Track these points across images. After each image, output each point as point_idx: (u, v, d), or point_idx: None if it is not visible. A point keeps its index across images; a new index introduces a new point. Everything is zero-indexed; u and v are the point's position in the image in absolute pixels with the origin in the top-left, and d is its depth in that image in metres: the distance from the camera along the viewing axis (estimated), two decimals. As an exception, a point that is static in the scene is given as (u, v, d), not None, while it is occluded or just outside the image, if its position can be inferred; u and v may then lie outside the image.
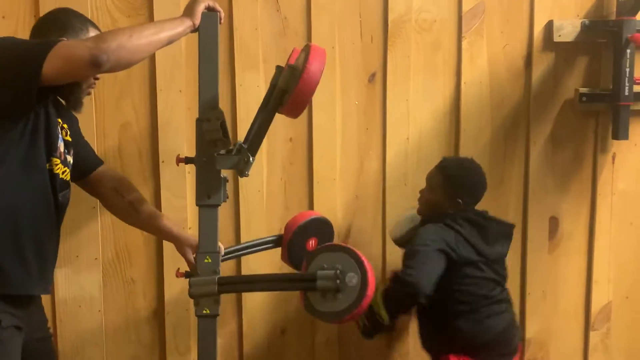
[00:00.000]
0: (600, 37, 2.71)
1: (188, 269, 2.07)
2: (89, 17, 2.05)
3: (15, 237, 1.75)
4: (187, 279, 2.00)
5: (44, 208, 1.81)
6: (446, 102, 2.70)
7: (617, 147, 2.81)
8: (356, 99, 2.65)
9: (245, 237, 2.58)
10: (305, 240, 2.26)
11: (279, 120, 2.15)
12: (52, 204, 1.83)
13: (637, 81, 2.70)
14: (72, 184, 1.99)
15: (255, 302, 2.68)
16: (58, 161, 1.85)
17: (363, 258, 1.95)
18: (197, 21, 1.83)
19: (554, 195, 2.79)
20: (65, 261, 2.50)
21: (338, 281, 1.90)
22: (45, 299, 2.04)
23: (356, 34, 2.64)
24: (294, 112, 1.95)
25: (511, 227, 2.43)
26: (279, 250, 2.40)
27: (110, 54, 1.63)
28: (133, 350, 2.62)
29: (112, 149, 2.54)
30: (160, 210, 2.57)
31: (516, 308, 2.76)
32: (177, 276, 2.07)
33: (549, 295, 2.83)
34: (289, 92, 1.90)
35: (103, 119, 2.51)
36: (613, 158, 2.82)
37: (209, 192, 1.97)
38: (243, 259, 2.60)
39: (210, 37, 1.93)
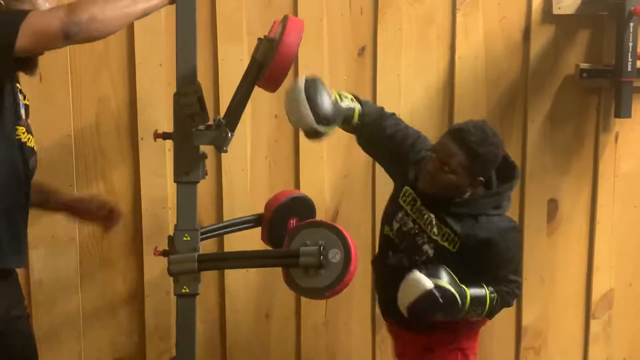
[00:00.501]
0: (602, 10, 2.76)
1: (167, 247, 2.20)
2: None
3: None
4: (167, 258, 2.14)
5: (14, 179, 1.88)
6: (439, 78, 2.76)
7: (620, 126, 2.87)
8: (345, 74, 2.71)
9: (228, 218, 2.62)
10: (286, 219, 2.35)
11: (264, 96, 2.24)
12: (22, 174, 1.90)
13: None
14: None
15: (238, 286, 2.75)
16: (23, 129, 1.93)
17: (346, 234, 2.04)
18: None
19: (553, 176, 2.86)
20: (41, 241, 2.57)
21: (321, 257, 2.01)
22: (20, 279, 2.18)
23: (345, 6, 2.69)
24: (271, 86, 2.01)
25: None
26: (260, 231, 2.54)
27: (82, 26, 1.73)
28: (111, 334, 2.69)
29: (88, 125, 2.60)
30: (140, 189, 2.68)
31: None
32: (155, 254, 2.17)
33: (547, 281, 2.91)
34: (266, 65, 1.97)
35: (79, 93, 2.57)
36: (616, 137, 2.88)
37: (187, 168, 2.05)
38: (225, 240, 2.72)
39: (188, 6, 1.99)
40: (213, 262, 2.14)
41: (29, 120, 2.01)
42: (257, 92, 2.08)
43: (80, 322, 2.67)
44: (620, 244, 2.96)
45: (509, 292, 2.19)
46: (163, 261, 2.61)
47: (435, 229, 2.16)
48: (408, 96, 2.76)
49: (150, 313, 2.70)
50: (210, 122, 2.05)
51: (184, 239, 2.09)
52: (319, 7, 2.67)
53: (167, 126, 2.56)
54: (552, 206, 2.90)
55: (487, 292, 2.14)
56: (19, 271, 2.06)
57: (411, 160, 2.25)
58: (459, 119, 2.77)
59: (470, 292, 2.10)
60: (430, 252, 2.16)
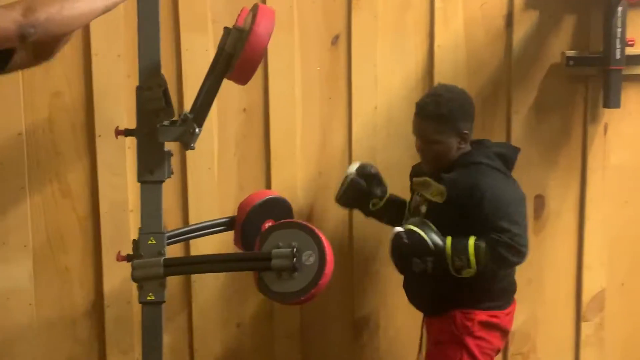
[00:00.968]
0: (588, -6, 2.81)
1: (130, 252, 2.24)
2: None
3: None
4: (130, 263, 2.17)
5: None
6: (418, 68, 2.79)
7: (609, 116, 2.91)
8: (318, 64, 2.73)
9: (195, 220, 2.64)
10: (261, 222, 2.36)
11: (231, 89, 2.25)
12: None
13: (629, 43, 2.78)
14: None
15: (206, 294, 2.75)
16: None
17: (321, 235, 2.05)
18: None
19: (539, 170, 2.89)
20: (-10, 248, 2.56)
21: (294, 260, 2.04)
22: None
23: (317, -9, 2.70)
24: (242, 78, 2.04)
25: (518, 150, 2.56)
26: (231, 234, 2.58)
27: (38, 27, 1.75)
28: (69, 347, 2.68)
29: (41, 121, 2.58)
30: (98, 191, 2.68)
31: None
32: (117, 260, 2.19)
33: (534, 282, 2.94)
34: (236, 56, 1.99)
35: (31, 87, 2.57)
36: (605, 128, 2.93)
37: (152, 167, 2.06)
38: (192, 244, 2.72)
39: (150, -7, 2.08)
40: (180, 266, 2.17)
41: None
42: (225, 85, 2.08)
43: (36, 335, 2.69)
44: (611, 241, 2.99)
45: (498, 240, 2.29)
46: (124, 268, 2.64)
47: (431, 188, 2.44)
48: (385, 87, 2.78)
49: (111, 324, 2.69)
50: (176, 118, 2.10)
51: (149, 242, 2.12)
52: (288, -7, 2.72)
53: (127, 122, 2.54)
54: (539, 202, 2.97)
55: (472, 240, 2.29)
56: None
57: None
58: (439, 111, 2.85)
59: (452, 239, 2.30)
60: (424, 209, 2.44)
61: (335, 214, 2.81)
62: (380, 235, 2.85)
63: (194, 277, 2.75)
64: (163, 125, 2.07)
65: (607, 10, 2.81)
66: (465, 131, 2.43)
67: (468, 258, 2.29)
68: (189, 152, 2.63)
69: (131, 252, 2.19)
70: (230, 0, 2.66)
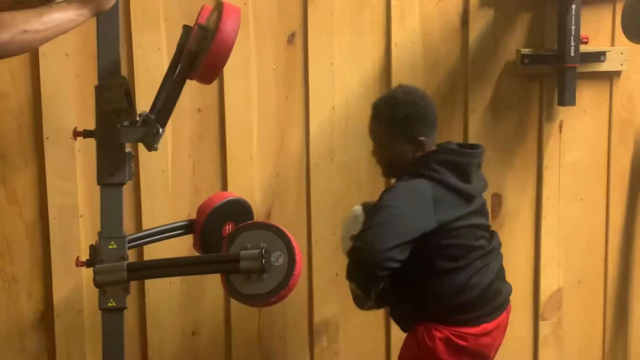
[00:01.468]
0: (543, -8, 2.93)
1: (89, 257, 2.27)
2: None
3: None
4: (89, 268, 2.17)
5: None
6: (375, 66, 2.89)
7: (564, 114, 3.06)
8: (274, 63, 2.80)
9: (148, 225, 2.66)
10: (221, 225, 2.41)
11: (185, 88, 2.24)
12: None
13: (583, 40, 2.95)
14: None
15: (160, 300, 2.77)
16: None
17: (289, 236, 2.12)
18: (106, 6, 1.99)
19: (496, 169, 3.01)
20: None
21: (263, 261, 2.11)
22: None
23: (272, -12, 2.75)
24: (207, 78, 2.09)
25: (479, 150, 2.45)
26: (188, 238, 2.64)
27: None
28: None
29: None
30: (46, 196, 2.66)
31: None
32: (77, 265, 2.21)
33: None
34: (201, 55, 2.07)
35: None
36: (560, 126, 3.09)
37: (112, 169, 2.10)
38: (146, 249, 2.73)
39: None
40: (145, 270, 2.21)
41: None
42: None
43: (-19, 349, 2.69)
44: (567, 239, 3.15)
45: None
46: (74, 276, 2.70)
47: None
48: (342, 86, 2.87)
49: (62, 335, 2.70)
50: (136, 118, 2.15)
51: (110, 247, 2.17)
52: (243, -10, 2.78)
53: (77, 123, 2.54)
54: (496, 201, 3.09)
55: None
56: None
57: None
58: (397, 110, 2.95)
59: None
60: None
61: (293, 216, 2.89)
62: (338, 238, 2.94)
63: (147, 284, 2.79)
64: (124, 126, 2.11)
65: (561, 8, 2.96)
66: (421, 138, 2.36)
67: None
68: (141, 155, 2.67)
69: (86, 258, 2.23)
70: (184, -2, 2.71)
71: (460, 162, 2.37)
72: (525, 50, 3.00)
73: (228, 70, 2.78)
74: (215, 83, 2.76)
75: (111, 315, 2.18)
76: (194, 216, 2.52)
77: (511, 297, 3.09)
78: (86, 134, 2.17)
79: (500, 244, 2.51)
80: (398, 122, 2.36)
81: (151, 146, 2.12)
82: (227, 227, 2.44)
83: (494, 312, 2.40)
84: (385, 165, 2.45)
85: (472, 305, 2.35)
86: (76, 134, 2.17)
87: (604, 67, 3.09)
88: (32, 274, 2.71)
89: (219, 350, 2.89)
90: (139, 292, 2.79)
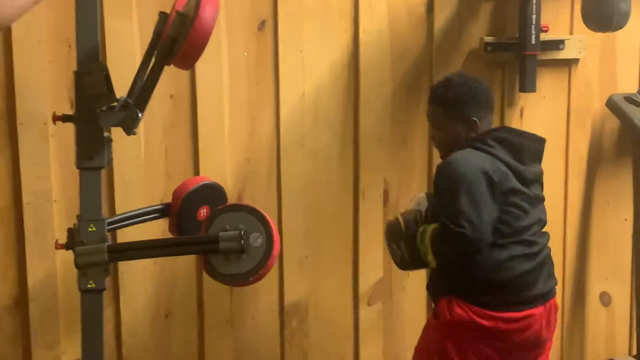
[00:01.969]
0: (504, -18, 3.09)
1: (67, 240, 2.30)
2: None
3: None
4: (66, 251, 2.22)
5: None
6: (344, 54, 2.99)
7: (525, 100, 3.20)
8: (245, 50, 2.88)
9: (122, 210, 2.72)
10: (196, 209, 2.48)
11: None
12: None
13: (544, 29, 3.10)
14: None
15: (134, 285, 2.85)
16: None
17: (267, 217, 2.22)
18: None
19: None
20: None
21: (242, 242, 2.18)
22: None
23: (242, -25, 2.86)
24: (186, 63, 2.17)
25: (541, 141, 2.52)
26: (161, 223, 2.68)
27: None
28: None
29: None
30: (20, 181, 2.69)
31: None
32: (56, 248, 2.27)
33: None
34: (180, 41, 2.15)
35: None
36: (521, 112, 3.21)
37: (92, 153, 2.15)
38: (119, 233, 2.81)
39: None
40: (126, 252, 2.27)
41: None
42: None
43: (-45, 334, 2.72)
44: None
45: (443, 222, 2.27)
46: (48, 259, 2.74)
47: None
48: (312, 73, 2.96)
49: (36, 319, 2.76)
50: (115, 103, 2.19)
51: (90, 229, 2.21)
52: (214, -22, 2.84)
53: (51, 108, 2.58)
54: (460, 185, 3.23)
55: (434, 225, 2.34)
56: None
57: None
58: (365, 96, 3.02)
59: (425, 226, 2.38)
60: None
61: (264, 200, 2.97)
62: (309, 221, 3.03)
63: (121, 267, 2.85)
64: (103, 111, 2.16)
65: (522, -3, 3.08)
66: (474, 118, 2.45)
67: (428, 242, 2.34)
68: (114, 140, 2.70)
69: (64, 241, 2.26)
70: (156, -16, 2.75)
71: (516, 141, 2.45)
72: (488, 39, 3.12)
73: (200, 57, 2.83)
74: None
75: (90, 297, 2.23)
76: (166, 201, 2.58)
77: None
78: (65, 118, 2.21)
79: (548, 240, 2.53)
80: (451, 102, 2.48)
81: (130, 130, 2.17)
82: (202, 210, 2.49)
83: (527, 303, 2.37)
84: (442, 147, 2.53)
85: (502, 287, 2.34)
86: (55, 118, 2.21)
87: (563, 54, 3.22)
88: (5, 259, 2.75)
89: (192, 332, 2.97)
90: (113, 276, 2.83)
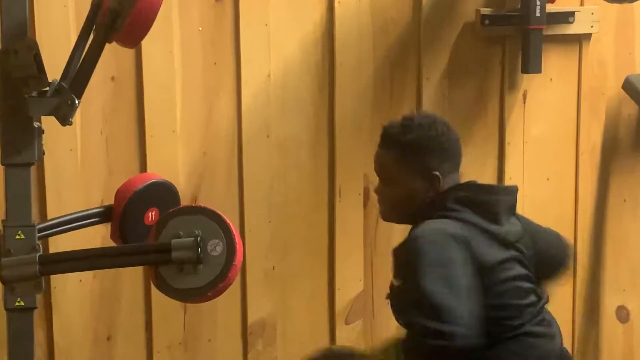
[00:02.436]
0: (504, -58, 3.09)
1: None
2: None
3: None
4: None
5: None
6: (316, 28, 2.98)
7: (529, 82, 3.21)
8: (200, 24, 2.87)
9: (54, 213, 2.69)
10: (143, 211, 2.46)
11: None
12: None
13: None
14: None
15: (69, 303, 2.85)
16: None
17: (228, 221, 2.19)
18: None
19: None
20: None
21: (199, 250, 2.16)
22: None
23: (195, -64, 2.84)
24: (130, 40, 2.14)
25: (514, 192, 2.37)
26: (101, 229, 2.67)
27: None
28: None
29: None
30: None
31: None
32: None
33: None
34: (123, 14, 2.10)
35: None
36: (524, 96, 3.23)
37: (19, 146, 2.12)
38: (51, 242, 2.77)
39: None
40: (60, 263, 2.23)
41: None
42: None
43: None
44: None
45: (417, 323, 2.08)
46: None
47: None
48: (279, 50, 2.96)
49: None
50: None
51: (17, 237, 2.20)
52: (162, -62, 2.84)
53: None
54: (454, 181, 3.25)
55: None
56: None
57: None
58: (341, 77, 3.03)
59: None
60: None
61: (223, 201, 2.97)
62: (276, 225, 3.04)
63: (54, 282, 2.84)
64: (33, 97, 2.15)
65: (525, -39, 3.10)
66: (435, 172, 2.26)
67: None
68: (46, 131, 2.70)
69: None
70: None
71: (485, 199, 2.29)
72: (485, 10, 3.15)
73: (147, 32, 2.82)
74: (131, 47, 2.82)
75: (19, 317, 2.21)
76: (108, 201, 2.56)
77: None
78: (-13, 106, 2.19)
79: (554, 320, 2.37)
80: (409, 148, 2.28)
81: (65, 120, 2.16)
82: (149, 213, 2.49)
83: None
84: (388, 205, 2.35)
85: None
86: (-25, 106, 2.19)
87: (572, 29, 3.24)
88: None
89: (139, 356, 2.98)
90: (45, 292, 2.81)
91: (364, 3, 3.06)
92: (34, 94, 2.15)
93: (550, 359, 2.26)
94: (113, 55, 2.73)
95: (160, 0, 2.13)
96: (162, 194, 2.54)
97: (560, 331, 2.37)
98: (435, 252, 2.15)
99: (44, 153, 2.27)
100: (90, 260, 2.27)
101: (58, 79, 2.16)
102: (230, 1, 2.92)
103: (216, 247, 2.21)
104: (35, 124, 2.22)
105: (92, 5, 2.21)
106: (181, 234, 2.22)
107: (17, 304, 2.21)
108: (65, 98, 2.15)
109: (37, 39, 2.71)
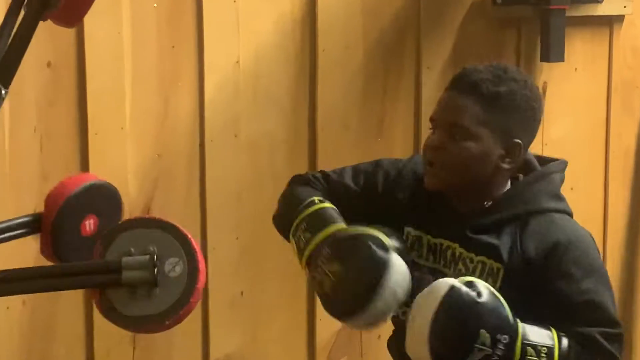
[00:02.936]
0: None
1: None
2: None
3: None
4: None
5: None
6: (295, 7, 2.97)
7: (549, 73, 3.22)
8: (155, 1, 2.85)
9: (-22, 224, 2.79)
10: (79, 220, 2.49)
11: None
12: None
13: None
14: None
15: None
16: None
17: (189, 236, 2.13)
18: None
19: None
20: None
21: (155, 270, 2.11)
22: None
23: None
24: (69, 18, 2.08)
25: None
26: (34, 242, 2.65)
27: None
28: None
29: None
30: None
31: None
32: None
33: None
34: None
35: None
36: (543, 90, 3.22)
37: None
38: None
39: None
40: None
41: None
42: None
43: None
44: None
45: (596, 342, 2.10)
46: None
47: (460, 265, 2.22)
48: (250, 33, 2.94)
49: None
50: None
51: None
52: None
53: None
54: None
55: (554, 332, 2.10)
56: None
57: (399, 188, 2.35)
58: (324, 64, 3.02)
59: (526, 326, 2.07)
60: None
61: (181, 213, 2.95)
62: (245, 241, 3.02)
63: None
64: (-52, 88, 2.13)
65: None
66: (518, 140, 2.22)
67: (551, 354, 2.06)
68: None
69: None
70: None
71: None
72: (498, -13, 3.14)
73: (90, 9, 2.81)
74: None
75: None
76: (42, 209, 2.55)
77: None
78: None
79: None
80: (499, 102, 2.20)
81: (-11, 115, 2.14)
82: (87, 222, 2.47)
83: None
84: (450, 165, 2.23)
85: None
86: None
87: (601, 10, 3.26)
88: None
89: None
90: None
91: (352, -23, 3.06)
92: (-47, 83, 2.14)
93: None
94: (49, 37, 2.70)
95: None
96: (101, 197, 2.51)
97: None
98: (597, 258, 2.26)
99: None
100: (19, 282, 2.24)
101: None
102: (192, -29, 2.92)
103: (175, 267, 2.19)
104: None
105: (24, -24, 2.20)
106: (133, 250, 2.19)
107: None
108: (-12, 87, 2.13)
109: (-42, 16, 2.71)
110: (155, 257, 2.16)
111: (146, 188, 2.94)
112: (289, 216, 2.35)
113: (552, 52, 3.15)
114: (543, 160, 2.36)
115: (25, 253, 2.70)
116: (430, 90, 3.15)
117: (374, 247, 2.11)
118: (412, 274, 2.15)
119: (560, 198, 2.28)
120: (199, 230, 2.98)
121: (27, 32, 2.17)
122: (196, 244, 2.23)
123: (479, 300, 2.02)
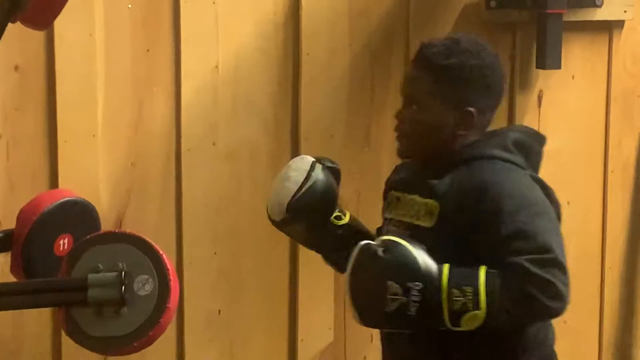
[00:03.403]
0: None
1: None
2: None
3: None
4: None
5: None
6: (278, 8, 2.98)
7: (545, 81, 3.22)
8: (129, 1, 2.85)
9: (-61, 238, 2.78)
10: (53, 238, 2.42)
11: None
12: None
13: None
14: None
15: None
16: None
17: (160, 252, 2.17)
18: None
19: None
20: None
21: (123, 288, 2.15)
22: None
23: None
24: (40, 19, 2.14)
25: (544, 140, 2.58)
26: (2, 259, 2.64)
27: None
28: None
29: None
30: None
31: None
32: None
33: None
34: None
35: None
36: (539, 98, 3.24)
37: None
38: None
39: None
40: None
41: None
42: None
43: None
44: None
45: (524, 269, 2.17)
46: None
47: (415, 207, 2.43)
48: (231, 36, 2.95)
49: None
50: None
51: None
52: None
53: None
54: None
55: (483, 269, 2.20)
56: None
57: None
58: (309, 69, 3.03)
59: (450, 266, 2.22)
60: None
61: (156, 226, 2.94)
62: (223, 257, 3.02)
63: None
64: None
65: None
66: (471, 109, 2.39)
67: (476, 292, 2.17)
68: None
69: None
70: None
71: (535, 150, 2.53)
72: (492, -11, 3.14)
73: (61, 10, 2.80)
74: (40, 27, 2.80)
75: None
76: (8, 224, 2.54)
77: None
78: None
79: None
80: (450, 73, 2.39)
81: (-47, 119, 2.14)
82: (61, 241, 2.47)
83: None
84: (412, 136, 2.45)
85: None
86: None
87: (600, 14, 3.26)
88: None
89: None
90: None
91: (336, -22, 3.06)
92: None
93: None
94: (17, 39, 2.70)
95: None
96: (76, 216, 2.51)
97: None
98: (536, 194, 2.39)
99: None
100: (-17, 300, 2.24)
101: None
102: (169, -30, 2.92)
103: (145, 285, 2.19)
104: None
105: (-12, -25, 2.20)
106: (100, 267, 2.20)
107: None
108: (-48, 92, 2.13)
109: None
110: (123, 274, 2.17)
111: (119, 199, 2.94)
112: None
113: (549, 58, 3.16)
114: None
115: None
116: (420, 97, 3.15)
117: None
118: (390, 228, 2.48)
119: (509, 150, 2.41)
120: (174, 244, 2.97)
121: (-5, 33, 2.18)
122: (168, 261, 2.23)
123: (383, 255, 2.22)
